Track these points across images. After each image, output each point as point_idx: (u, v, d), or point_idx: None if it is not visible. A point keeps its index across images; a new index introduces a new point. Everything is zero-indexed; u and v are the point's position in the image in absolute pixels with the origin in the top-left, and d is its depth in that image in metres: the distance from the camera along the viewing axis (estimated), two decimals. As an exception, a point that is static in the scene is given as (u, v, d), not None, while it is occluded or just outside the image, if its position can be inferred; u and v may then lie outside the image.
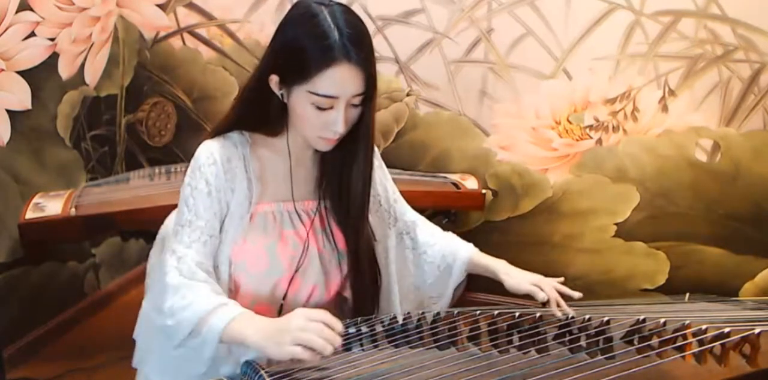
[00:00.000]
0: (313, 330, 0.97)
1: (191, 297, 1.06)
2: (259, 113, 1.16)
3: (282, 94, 1.12)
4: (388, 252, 1.33)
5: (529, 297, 1.25)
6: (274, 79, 1.11)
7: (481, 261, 1.35)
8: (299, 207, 1.22)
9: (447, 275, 1.36)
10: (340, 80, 1.06)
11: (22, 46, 2.17)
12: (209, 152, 1.15)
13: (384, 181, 1.35)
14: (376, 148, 1.28)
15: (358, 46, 1.06)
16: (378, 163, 1.33)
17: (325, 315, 1.00)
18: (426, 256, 1.38)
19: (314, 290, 1.22)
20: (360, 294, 1.25)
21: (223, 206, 1.15)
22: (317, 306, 1.23)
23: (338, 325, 1.00)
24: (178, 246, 1.12)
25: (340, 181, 1.21)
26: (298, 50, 1.07)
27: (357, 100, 1.10)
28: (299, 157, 1.22)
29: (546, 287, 1.25)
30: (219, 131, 1.19)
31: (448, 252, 1.37)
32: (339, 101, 1.08)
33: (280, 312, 1.19)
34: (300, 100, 1.09)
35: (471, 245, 1.39)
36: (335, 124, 1.09)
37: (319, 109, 1.08)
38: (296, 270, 1.19)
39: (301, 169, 1.23)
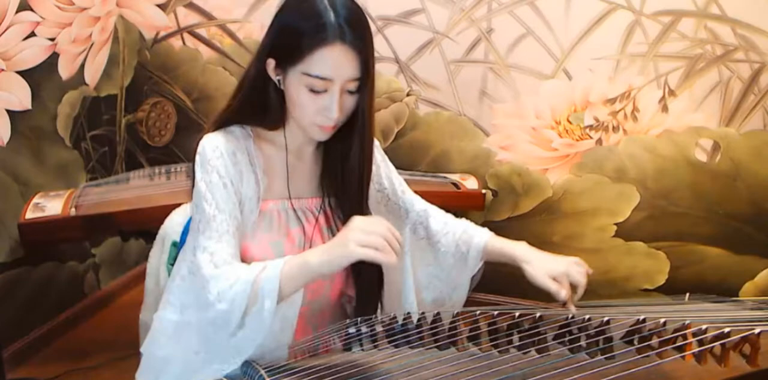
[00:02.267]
0: (377, 232, 0.97)
1: (233, 275, 1.03)
2: (258, 102, 1.14)
3: (279, 81, 1.11)
4: (403, 245, 1.29)
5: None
6: (271, 64, 1.10)
7: (497, 247, 1.28)
8: (304, 204, 1.20)
9: (462, 264, 1.31)
10: (333, 61, 1.04)
11: (22, 46, 2.17)
12: (214, 145, 1.12)
13: (389, 174, 1.33)
14: (377, 142, 1.26)
15: (353, 27, 1.05)
16: (381, 156, 1.31)
17: (384, 221, 1.00)
18: (440, 245, 1.33)
19: (319, 288, 1.21)
20: (362, 293, 1.24)
21: (239, 196, 1.12)
22: (321, 305, 1.23)
23: (396, 232, 1.00)
24: (208, 242, 1.08)
25: (340, 176, 1.19)
26: (293, 30, 1.06)
27: (353, 87, 1.08)
28: (300, 152, 1.20)
29: (566, 282, 1.18)
30: (219, 123, 1.16)
31: (462, 240, 1.31)
32: (333, 84, 1.06)
33: None
34: (294, 83, 1.08)
35: (486, 230, 1.32)
36: (329, 110, 1.07)
37: (314, 92, 1.06)
38: None
39: (303, 166, 1.21)
